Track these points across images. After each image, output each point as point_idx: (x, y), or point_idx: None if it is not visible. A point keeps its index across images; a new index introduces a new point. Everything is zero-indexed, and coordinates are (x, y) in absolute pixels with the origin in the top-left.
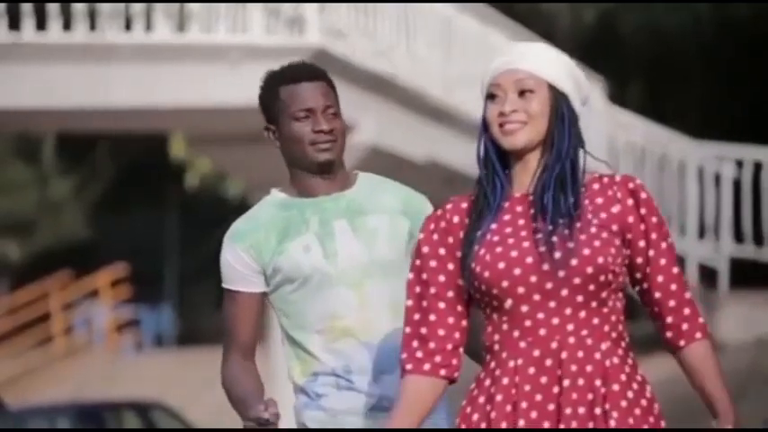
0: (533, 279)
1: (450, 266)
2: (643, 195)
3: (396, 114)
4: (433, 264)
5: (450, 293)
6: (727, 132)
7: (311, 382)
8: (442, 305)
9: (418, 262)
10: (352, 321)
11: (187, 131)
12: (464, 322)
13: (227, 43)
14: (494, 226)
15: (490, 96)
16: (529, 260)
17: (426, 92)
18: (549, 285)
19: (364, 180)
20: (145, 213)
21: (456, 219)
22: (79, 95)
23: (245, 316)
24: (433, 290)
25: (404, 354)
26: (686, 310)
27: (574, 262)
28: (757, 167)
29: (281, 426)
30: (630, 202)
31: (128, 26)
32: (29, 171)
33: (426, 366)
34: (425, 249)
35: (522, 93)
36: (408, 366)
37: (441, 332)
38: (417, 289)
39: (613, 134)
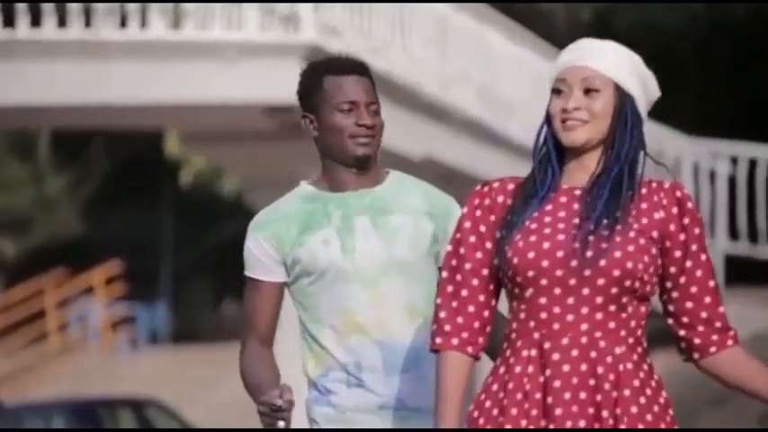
0: (558, 273)
1: (489, 245)
2: (689, 205)
3: (391, 112)
4: (472, 239)
5: (485, 271)
6: (723, 129)
7: (323, 377)
8: (475, 282)
9: (458, 235)
10: (366, 318)
11: (182, 128)
12: (493, 302)
13: (222, 40)
14: (535, 214)
15: (555, 90)
16: (559, 254)
17: (422, 89)
18: (572, 282)
19: (394, 179)
20: (140, 210)
21: (500, 198)
22: (74, 92)
23: (265, 305)
24: (468, 265)
25: (434, 325)
26: (718, 323)
27: (602, 263)
28: (752, 164)
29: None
30: (675, 210)
31: (123, 23)
32: (24, 168)
33: (455, 341)
34: (467, 224)
35: (587, 91)
36: (438, 340)
37: (471, 308)
38: (453, 262)
39: None
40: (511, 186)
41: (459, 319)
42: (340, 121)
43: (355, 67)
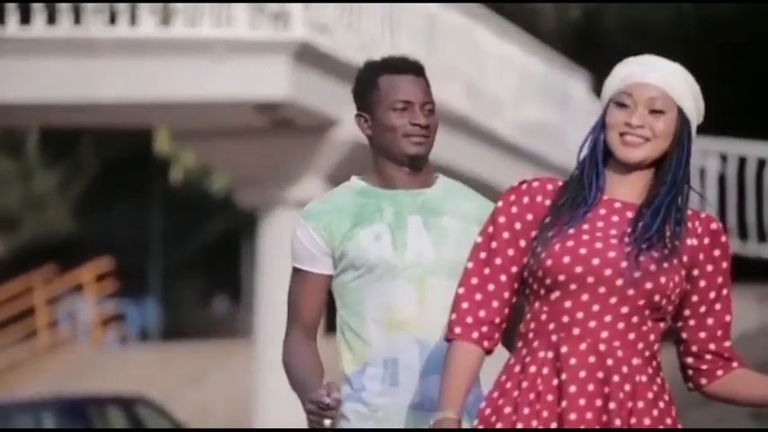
0: (590, 280)
1: (522, 243)
2: (723, 239)
3: None
4: (505, 235)
5: (515, 269)
6: (712, 127)
7: (359, 374)
8: (503, 278)
9: (491, 229)
10: (409, 316)
11: (171, 126)
12: (514, 300)
13: (211, 37)
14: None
15: (619, 103)
16: (595, 261)
17: None
18: (601, 290)
19: (444, 182)
20: (129, 208)
21: (539, 198)
22: (63, 90)
23: (311, 296)
24: (498, 260)
25: (453, 314)
26: (726, 354)
27: (637, 275)
28: (742, 162)
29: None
30: (707, 240)
31: (112, 20)
32: (13, 165)
33: (475, 334)
34: (501, 219)
35: (652, 111)
36: (457, 330)
37: (495, 303)
38: (482, 255)
39: None
40: (550, 187)
41: (482, 313)
42: (394, 120)
43: (411, 67)
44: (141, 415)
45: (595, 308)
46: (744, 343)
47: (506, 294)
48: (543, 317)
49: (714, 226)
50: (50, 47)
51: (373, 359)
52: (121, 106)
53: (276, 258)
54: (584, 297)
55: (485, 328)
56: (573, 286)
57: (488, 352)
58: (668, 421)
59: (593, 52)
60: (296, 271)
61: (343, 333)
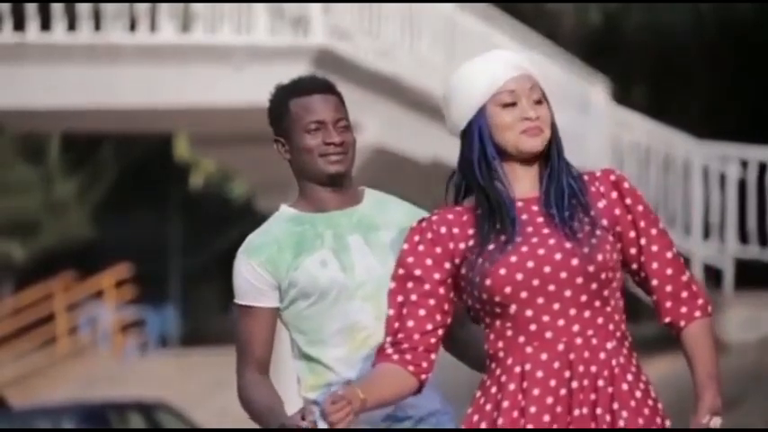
0: (536, 282)
1: (437, 276)
2: (626, 185)
3: (400, 115)
4: (417, 273)
5: (432, 301)
6: (732, 133)
7: (323, 395)
8: (422, 312)
9: (401, 271)
10: (372, 332)
11: (191, 132)
12: (440, 331)
13: (231, 44)
14: (501, 237)
15: (502, 104)
16: (530, 264)
17: (430, 92)
18: (551, 288)
19: (371, 196)
20: (149, 214)
21: (443, 229)
22: (84, 96)
23: (260, 331)
24: (414, 297)
25: (376, 357)
26: (684, 293)
27: (574, 262)
28: (762, 168)
29: None
30: (614, 194)
31: (132, 27)
32: (33, 171)
33: (395, 357)
34: (410, 259)
35: (535, 101)
36: (377, 359)
37: (416, 336)
38: (399, 298)
39: (617, 134)
40: (450, 216)
41: (405, 345)
42: (309, 142)
43: (320, 86)
44: (161, 421)
45: (556, 306)
46: (766, 348)
47: (429, 326)
48: (509, 333)
49: (613, 177)
50: (71, 53)
51: (337, 380)
52: (141, 112)
53: None
54: (540, 300)
55: (408, 356)
56: (524, 294)
57: (418, 379)
58: (650, 402)
59: (613, 58)
60: (243, 309)
61: (300, 361)
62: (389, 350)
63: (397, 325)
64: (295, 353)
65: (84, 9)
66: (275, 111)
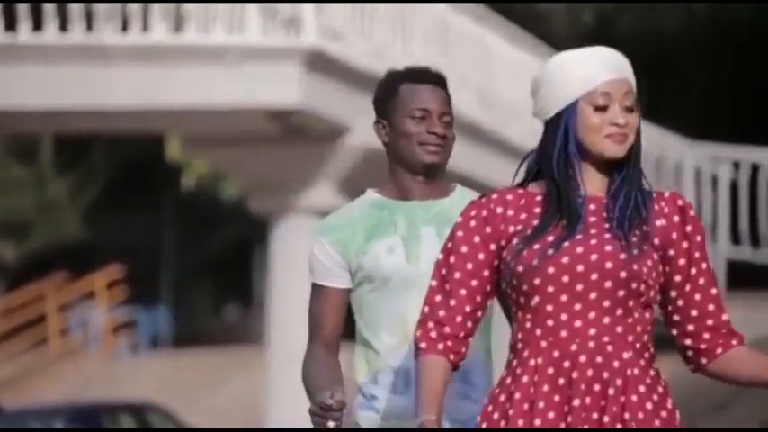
0: (565, 279)
1: (481, 256)
2: (691, 213)
3: None
4: (463, 249)
5: (474, 282)
6: (725, 134)
7: (370, 383)
8: (463, 292)
9: (450, 245)
10: None
11: (184, 133)
12: (479, 313)
13: (223, 44)
14: (535, 222)
15: (596, 105)
16: (565, 260)
17: None
18: (579, 287)
19: (462, 192)
20: (141, 215)
21: (499, 209)
22: (76, 96)
23: (330, 310)
24: (457, 275)
25: (419, 331)
26: (723, 330)
27: (608, 265)
28: (754, 169)
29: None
30: (677, 218)
31: (124, 27)
32: (26, 172)
33: (440, 346)
34: (459, 234)
35: (626, 107)
36: (422, 345)
37: (458, 319)
38: (443, 271)
39: None
40: (509, 197)
41: (447, 329)
42: (411, 128)
43: (432, 78)
44: (152, 422)
45: (577, 306)
46: (758, 349)
47: (468, 308)
48: (528, 325)
49: (681, 202)
50: (62, 54)
51: (384, 368)
52: (133, 113)
53: (288, 265)
54: (564, 297)
55: (450, 343)
56: (550, 288)
57: (455, 366)
58: (663, 414)
59: None
60: (314, 287)
61: (359, 346)
62: (433, 333)
63: (438, 298)
64: (357, 337)
65: (76, 9)
66: (383, 91)
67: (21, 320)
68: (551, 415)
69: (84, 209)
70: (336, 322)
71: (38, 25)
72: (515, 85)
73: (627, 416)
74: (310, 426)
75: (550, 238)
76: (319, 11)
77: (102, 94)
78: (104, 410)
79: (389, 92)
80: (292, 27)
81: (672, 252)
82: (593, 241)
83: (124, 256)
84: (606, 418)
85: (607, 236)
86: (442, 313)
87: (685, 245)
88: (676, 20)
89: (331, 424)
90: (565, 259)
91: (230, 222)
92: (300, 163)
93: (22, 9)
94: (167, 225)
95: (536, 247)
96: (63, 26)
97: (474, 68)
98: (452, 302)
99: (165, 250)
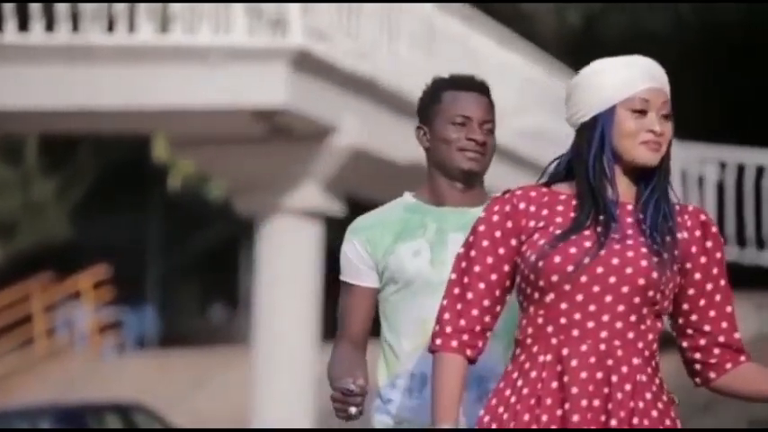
0: (583, 279)
1: (501, 251)
2: (713, 229)
3: (378, 116)
4: (484, 243)
5: (494, 276)
6: (712, 134)
7: (388, 387)
8: (482, 285)
9: (471, 238)
10: None
11: (169, 133)
12: (498, 308)
13: (209, 44)
14: (559, 219)
15: (635, 110)
16: (586, 260)
17: (409, 93)
18: (595, 288)
19: None
20: (127, 215)
21: (522, 205)
22: (61, 97)
23: (357, 309)
24: (477, 268)
25: (436, 326)
26: (734, 347)
27: (628, 270)
28: (740, 170)
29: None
30: (698, 233)
31: (110, 27)
32: (11, 172)
33: (454, 343)
34: (481, 228)
35: (664, 115)
36: (438, 341)
37: (474, 312)
38: (463, 264)
39: None
40: (532, 194)
41: (462, 322)
42: (451, 134)
43: (476, 85)
44: (138, 422)
45: (592, 308)
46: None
47: (486, 302)
48: (540, 320)
49: (703, 217)
50: (48, 54)
51: (402, 373)
52: (119, 113)
53: (274, 265)
54: (579, 297)
55: (465, 337)
56: (567, 287)
57: (471, 360)
58: (667, 422)
59: (591, 58)
60: (343, 284)
61: (382, 347)
62: (448, 328)
63: (456, 291)
64: (381, 338)
65: (61, 10)
66: (426, 97)
67: (6, 320)
68: (559, 412)
69: (70, 209)
70: (363, 320)
71: (24, 25)
72: (504, 87)
73: (635, 421)
74: (295, 426)
75: (587, 244)
76: (305, 11)
77: (88, 95)
78: (90, 411)
79: (432, 98)
80: (278, 27)
81: (689, 265)
82: (617, 246)
83: (110, 256)
84: (613, 422)
85: (638, 241)
86: (459, 306)
87: (704, 260)
88: (663, 21)
89: (353, 410)
90: (586, 260)
91: (216, 223)
92: (287, 163)
93: (8, 9)
94: (153, 225)
95: (572, 250)
96: (49, 26)
97: (460, 69)
98: (470, 295)
99: (152, 250)
